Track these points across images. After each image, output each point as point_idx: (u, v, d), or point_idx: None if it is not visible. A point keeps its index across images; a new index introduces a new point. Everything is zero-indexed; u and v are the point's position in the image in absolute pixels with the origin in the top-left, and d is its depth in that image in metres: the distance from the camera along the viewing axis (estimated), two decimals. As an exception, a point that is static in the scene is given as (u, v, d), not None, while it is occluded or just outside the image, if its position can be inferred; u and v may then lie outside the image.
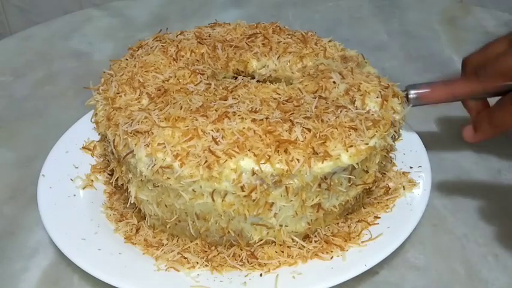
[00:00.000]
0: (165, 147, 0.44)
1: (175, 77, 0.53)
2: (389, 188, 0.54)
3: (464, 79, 0.50)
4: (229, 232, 0.47)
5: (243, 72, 0.57)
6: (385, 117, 0.48)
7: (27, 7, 1.21)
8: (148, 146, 0.45)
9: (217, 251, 0.48)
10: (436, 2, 0.98)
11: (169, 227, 0.49)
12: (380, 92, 0.51)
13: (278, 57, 0.55)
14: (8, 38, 0.96)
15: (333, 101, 0.50)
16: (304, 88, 0.52)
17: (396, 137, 0.51)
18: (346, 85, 0.51)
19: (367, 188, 0.50)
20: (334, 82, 0.51)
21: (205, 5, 1.00)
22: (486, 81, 0.48)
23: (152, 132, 0.45)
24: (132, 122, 0.47)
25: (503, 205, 0.56)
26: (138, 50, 0.57)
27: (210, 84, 0.51)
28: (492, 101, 0.51)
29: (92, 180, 0.57)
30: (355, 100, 0.50)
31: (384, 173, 0.54)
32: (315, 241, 0.49)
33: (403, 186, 0.54)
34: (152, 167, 0.44)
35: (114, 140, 0.47)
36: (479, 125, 0.48)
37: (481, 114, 0.48)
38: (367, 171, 0.47)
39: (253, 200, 0.44)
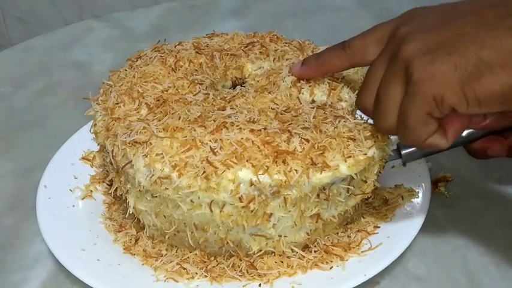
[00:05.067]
0: (163, 157, 0.44)
1: (174, 87, 0.53)
2: (388, 199, 0.54)
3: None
4: (228, 243, 0.47)
5: (240, 78, 0.57)
6: None
7: (27, 18, 1.22)
8: (146, 156, 0.45)
9: (217, 261, 0.48)
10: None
11: (168, 238, 0.49)
12: (329, 82, 0.51)
13: (274, 60, 0.56)
14: (9, 49, 0.97)
15: (331, 110, 0.50)
16: (256, 84, 0.53)
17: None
18: (292, 78, 0.52)
19: (366, 197, 0.50)
20: (282, 78, 0.52)
21: (205, 15, 1.00)
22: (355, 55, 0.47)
23: (150, 143, 0.45)
24: (130, 133, 0.47)
25: (504, 214, 0.55)
26: (137, 60, 0.58)
27: (209, 94, 0.52)
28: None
29: (91, 191, 0.57)
30: (302, 91, 0.51)
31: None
32: (315, 251, 0.49)
33: (402, 196, 0.54)
34: (150, 177, 0.44)
35: (112, 150, 0.47)
36: (307, 60, 0.50)
37: (313, 54, 0.50)
38: (365, 181, 0.47)
39: (252, 211, 0.44)
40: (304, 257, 0.48)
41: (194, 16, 1.00)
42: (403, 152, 0.52)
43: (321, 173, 0.43)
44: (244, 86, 0.55)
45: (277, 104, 0.50)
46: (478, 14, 0.39)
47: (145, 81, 0.53)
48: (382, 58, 0.43)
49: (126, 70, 0.56)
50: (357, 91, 0.52)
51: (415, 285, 0.49)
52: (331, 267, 0.47)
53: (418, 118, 0.40)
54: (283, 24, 0.96)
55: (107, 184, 0.57)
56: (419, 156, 0.53)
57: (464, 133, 0.49)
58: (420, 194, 0.54)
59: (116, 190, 0.50)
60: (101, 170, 0.60)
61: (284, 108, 0.49)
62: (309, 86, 0.51)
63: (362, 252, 0.48)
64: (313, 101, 0.51)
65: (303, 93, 0.51)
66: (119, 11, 1.04)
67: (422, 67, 0.39)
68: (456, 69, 0.38)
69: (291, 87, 0.51)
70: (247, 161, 0.43)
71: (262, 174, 0.43)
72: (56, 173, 0.59)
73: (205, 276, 0.47)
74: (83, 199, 0.56)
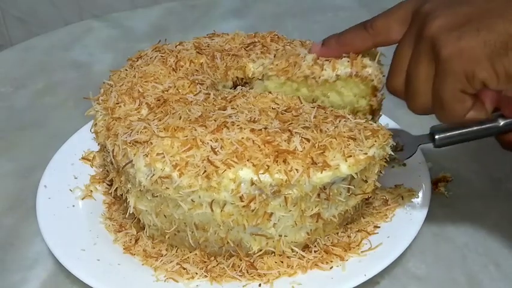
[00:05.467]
0: (164, 157, 0.44)
1: (175, 87, 0.53)
2: (388, 199, 0.54)
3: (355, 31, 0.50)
4: (228, 242, 0.47)
5: (242, 79, 0.57)
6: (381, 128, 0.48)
7: (27, 18, 1.22)
8: (147, 156, 0.45)
9: (217, 261, 0.48)
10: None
11: (169, 238, 0.49)
12: (345, 55, 0.51)
13: (275, 56, 0.56)
14: (9, 49, 0.97)
15: (332, 110, 0.50)
16: (276, 67, 0.52)
17: (380, 96, 0.51)
18: (313, 55, 0.52)
19: (366, 197, 0.50)
20: (302, 57, 0.52)
21: (205, 15, 1.00)
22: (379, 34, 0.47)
23: (151, 142, 0.45)
24: (131, 132, 0.47)
25: (504, 214, 0.55)
26: (137, 60, 0.58)
27: (209, 94, 0.52)
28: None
29: (91, 191, 0.57)
30: (324, 67, 0.50)
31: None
32: (315, 251, 0.49)
33: (402, 196, 0.54)
34: (151, 177, 0.44)
35: (113, 150, 0.47)
36: (328, 41, 0.49)
37: (333, 35, 0.49)
38: (366, 181, 0.47)
39: (252, 210, 0.44)
40: (304, 257, 0.48)
41: (194, 16, 1.00)
42: (437, 136, 0.52)
43: (321, 173, 0.43)
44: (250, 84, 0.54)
45: (277, 104, 0.50)
46: None
47: (146, 81, 0.53)
48: (408, 38, 0.43)
49: (126, 70, 0.56)
50: (377, 56, 0.51)
51: (415, 285, 0.49)
52: (331, 267, 0.47)
53: (453, 96, 0.40)
54: (283, 24, 0.96)
55: (107, 184, 0.57)
56: (453, 141, 0.52)
57: (501, 123, 0.49)
58: (420, 194, 0.54)
59: (116, 190, 0.50)
60: (101, 170, 0.60)
61: (285, 108, 0.49)
62: (329, 62, 0.51)
63: (362, 252, 0.49)
64: (337, 76, 0.50)
65: (325, 69, 0.51)
66: (119, 11, 1.04)
67: (451, 44, 0.39)
68: (485, 45, 0.38)
69: (312, 65, 0.51)
70: (248, 160, 0.43)
71: (263, 173, 0.43)
72: (56, 173, 0.59)
73: (205, 276, 0.47)
74: (83, 199, 0.56)
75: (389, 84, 0.45)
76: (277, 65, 0.53)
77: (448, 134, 0.51)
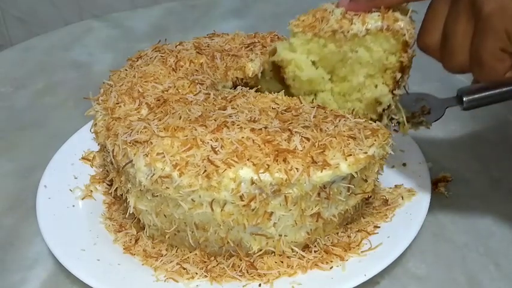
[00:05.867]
0: (164, 156, 0.44)
1: (175, 87, 0.53)
2: (388, 199, 0.54)
3: None
4: (228, 242, 0.47)
5: (242, 79, 0.57)
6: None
7: (27, 18, 1.22)
8: (147, 155, 0.45)
9: (217, 261, 0.48)
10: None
11: (169, 237, 0.49)
12: (375, 10, 0.49)
13: None
14: (9, 49, 0.97)
15: (331, 110, 0.50)
16: (302, 23, 0.50)
17: (410, 52, 0.49)
18: (341, 9, 0.50)
19: (366, 197, 0.50)
20: (330, 12, 0.50)
21: (205, 15, 1.00)
22: None
23: (151, 142, 0.45)
24: (131, 132, 0.47)
25: (503, 214, 0.55)
26: (137, 60, 0.58)
27: (209, 94, 0.52)
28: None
29: (91, 191, 0.57)
30: (354, 21, 0.48)
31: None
32: (315, 251, 0.49)
33: (402, 196, 0.54)
34: (151, 176, 0.44)
35: (113, 149, 0.47)
36: None
37: None
38: (366, 180, 0.47)
39: (253, 210, 0.44)
40: (304, 257, 0.48)
41: (194, 16, 1.00)
42: (465, 98, 0.50)
43: (321, 172, 0.43)
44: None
45: (277, 104, 0.50)
46: None
47: (145, 81, 0.53)
48: None
49: (126, 70, 0.56)
50: (409, 13, 0.49)
51: (415, 285, 0.49)
52: (331, 267, 0.47)
53: (493, 55, 0.39)
54: (283, 24, 0.96)
55: (107, 184, 0.57)
56: (481, 103, 0.51)
57: None
58: (420, 194, 0.54)
59: (116, 190, 0.50)
60: (101, 170, 0.60)
61: (285, 108, 0.49)
62: (359, 16, 0.49)
63: (362, 252, 0.48)
64: (367, 30, 0.48)
65: (355, 24, 0.49)
66: (119, 11, 1.04)
67: (493, 1, 0.38)
68: None
69: (341, 19, 0.49)
70: (248, 159, 0.43)
71: (263, 172, 0.43)
72: (56, 173, 0.59)
73: (205, 276, 0.47)
74: (83, 199, 0.56)
75: (422, 41, 0.43)
76: (303, 20, 0.50)
77: (476, 96, 0.50)
